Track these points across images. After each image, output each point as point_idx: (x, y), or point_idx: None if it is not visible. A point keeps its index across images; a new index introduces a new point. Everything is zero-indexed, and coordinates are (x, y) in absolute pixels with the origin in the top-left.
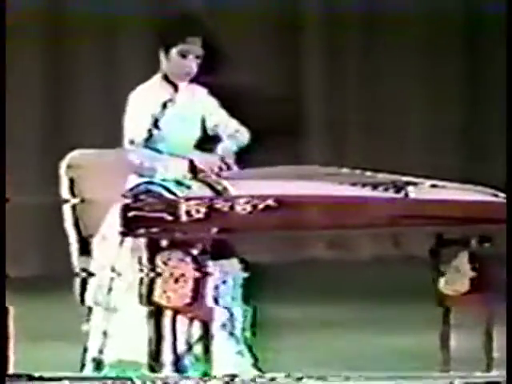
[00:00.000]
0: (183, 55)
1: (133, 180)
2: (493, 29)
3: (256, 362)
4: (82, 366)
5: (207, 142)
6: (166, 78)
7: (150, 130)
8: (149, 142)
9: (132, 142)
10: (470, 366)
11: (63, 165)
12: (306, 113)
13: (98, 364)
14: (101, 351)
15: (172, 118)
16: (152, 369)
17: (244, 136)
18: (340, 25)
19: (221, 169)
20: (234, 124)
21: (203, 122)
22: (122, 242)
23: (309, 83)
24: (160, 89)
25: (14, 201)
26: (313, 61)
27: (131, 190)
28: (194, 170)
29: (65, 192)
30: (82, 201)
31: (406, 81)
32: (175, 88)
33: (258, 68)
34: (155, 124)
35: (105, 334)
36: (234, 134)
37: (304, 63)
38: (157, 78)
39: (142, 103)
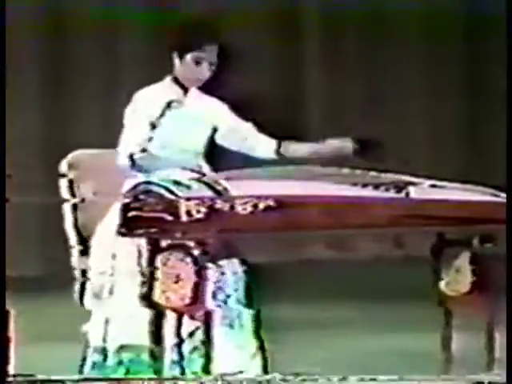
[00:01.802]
0: (198, 62)
1: (133, 179)
2: (493, 28)
3: (255, 362)
4: (83, 359)
5: (215, 151)
6: (176, 80)
7: (150, 136)
8: (151, 146)
9: (130, 157)
10: (471, 366)
11: (63, 165)
12: (307, 112)
13: (103, 352)
14: (104, 339)
15: (178, 120)
16: (153, 355)
17: (258, 143)
18: (340, 24)
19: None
20: (251, 130)
21: (214, 131)
22: (121, 243)
23: (309, 83)
24: (169, 90)
25: (14, 201)
26: (313, 61)
27: (131, 190)
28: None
29: (65, 192)
30: (82, 201)
31: (406, 81)
32: (185, 91)
33: (259, 68)
34: (158, 125)
35: (106, 321)
36: (247, 138)
37: (304, 64)
38: (167, 80)
39: (148, 103)
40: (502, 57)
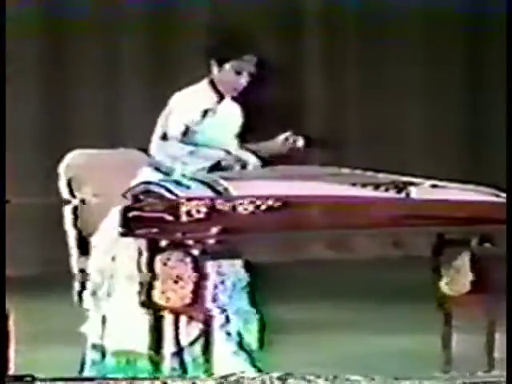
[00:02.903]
0: (238, 72)
1: (146, 173)
2: (493, 28)
3: (255, 362)
4: (83, 356)
5: None
6: (212, 84)
7: (185, 132)
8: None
9: (164, 137)
10: (471, 366)
11: (63, 165)
12: (307, 113)
13: (100, 350)
14: (101, 337)
15: (208, 127)
16: (152, 361)
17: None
18: (340, 24)
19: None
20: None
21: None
22: (121, 243)
23: (309, 84)
24: (205, 95)
25: (14, 201)
26: (313, 62)
27: (131, 190)
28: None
29: (64, 192)
30: (82, 201)
31: (406, 81)
32: (220, 98)
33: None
34: (191, 128)
35: (104, 319)
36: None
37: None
38: (204, 84)
39: (185, 105)
40: (503, 57)
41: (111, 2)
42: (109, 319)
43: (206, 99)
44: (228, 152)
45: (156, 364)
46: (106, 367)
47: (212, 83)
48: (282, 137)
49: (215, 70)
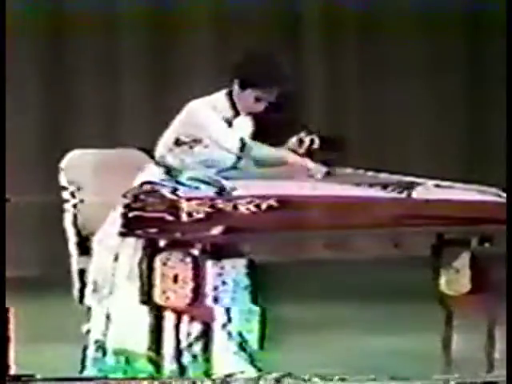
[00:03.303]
0: (258, 99)
1: (150, 173)
2: (493, 28)
3: (256, 362)
4: (84, 350)
5: None
6: (230, 98)
7: (197, 141)
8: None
9: (177, 142)
10: (472, 366)
11: (62, 165)
12: (307, 113)
13: (102, 347)
14: (104, 334)
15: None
16: (152, 361)
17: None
18: (339, 25)
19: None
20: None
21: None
22: (122, 243)
23: (309, 83)
24: (223, 107)
25: (14, 201)
26: (313, 62)
27: (132, 190)
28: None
29: (64, 192)
30: (82, 201)
31: (408, 82)
32: (235, 114)
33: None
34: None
35: (107, 317)
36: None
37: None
38: (222, 96)
39: (202, 113)
40: (503, 57)
41: (112, 1)
42: (111, 317)
43: (224, 111)
44: (239, 158)
45: (156, 364)
46: (107, 366)
47: (230, 97)
48: (295, 138)
49: (236, 88)
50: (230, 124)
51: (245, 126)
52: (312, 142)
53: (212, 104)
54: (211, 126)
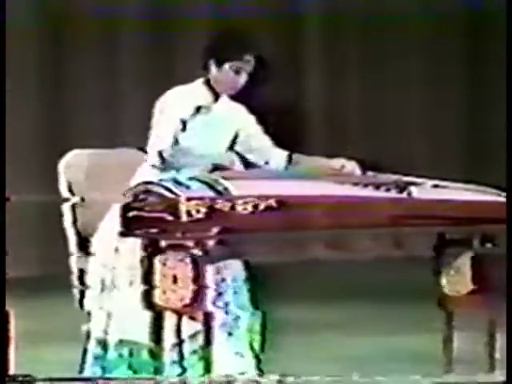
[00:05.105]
0: (237, 71)
1: (145, 172)
2: (493, 28)
3: (256, 362)
4: (85, 349)
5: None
6: (208, 84)
7: (176, 137)
8: (174, 147)
9: (160, 155)
10: (472, 366)
11: (62, 164)
12: (307, 113)
13: (103, 344)
14: (105, 332)
15: (203, 125)
16: (153, 354)
17: (271, 157)
18: (340, 25)
19: None
20: (266, 142)
21: (235, 137)
22: (121, 243)
23: (309, 83)
24: (200, 93)
25: (14, 200)
26: (313, 62)
27: (131, 189)
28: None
29: (64, 191)
30: (82, 200)
31: (408, 82)
32: (215, 97)
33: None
34: (183, 128)
35: (108, 315)
36: (261, 149)
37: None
38: (198, 83)
39: (178, 104)
40: (503, 57)
41: (112, 1)
42: (112, 315)
43: (200, 97)
44: (240, 156)
45: (158, 357)
46: (109, 362)
47: (207, 83)
48: (337, 162)
49: (213, 69)
50: (208, 109)
51: (229, 108)
52: (353, 169)
53: (187, 92)
54: (180, 113)
